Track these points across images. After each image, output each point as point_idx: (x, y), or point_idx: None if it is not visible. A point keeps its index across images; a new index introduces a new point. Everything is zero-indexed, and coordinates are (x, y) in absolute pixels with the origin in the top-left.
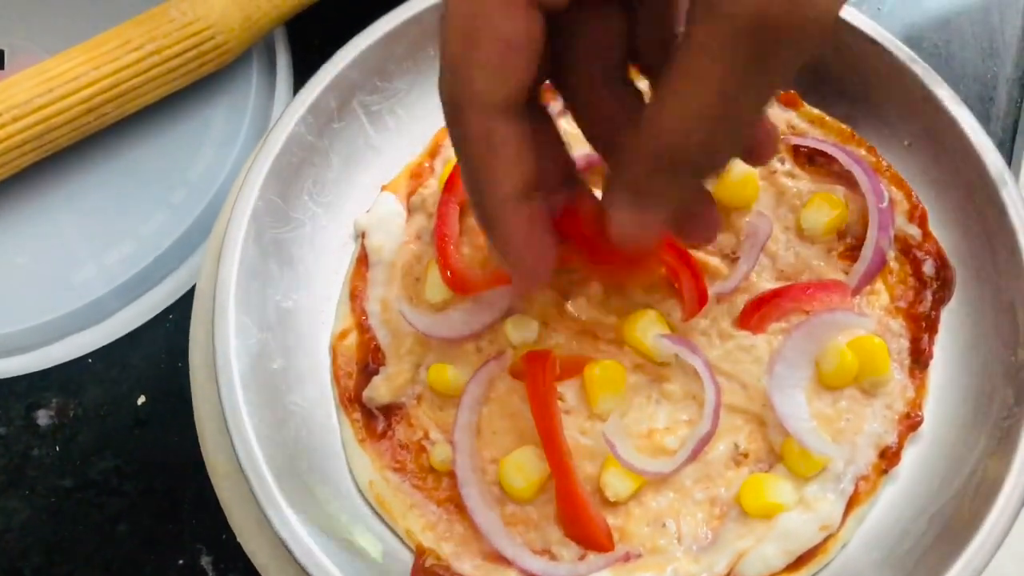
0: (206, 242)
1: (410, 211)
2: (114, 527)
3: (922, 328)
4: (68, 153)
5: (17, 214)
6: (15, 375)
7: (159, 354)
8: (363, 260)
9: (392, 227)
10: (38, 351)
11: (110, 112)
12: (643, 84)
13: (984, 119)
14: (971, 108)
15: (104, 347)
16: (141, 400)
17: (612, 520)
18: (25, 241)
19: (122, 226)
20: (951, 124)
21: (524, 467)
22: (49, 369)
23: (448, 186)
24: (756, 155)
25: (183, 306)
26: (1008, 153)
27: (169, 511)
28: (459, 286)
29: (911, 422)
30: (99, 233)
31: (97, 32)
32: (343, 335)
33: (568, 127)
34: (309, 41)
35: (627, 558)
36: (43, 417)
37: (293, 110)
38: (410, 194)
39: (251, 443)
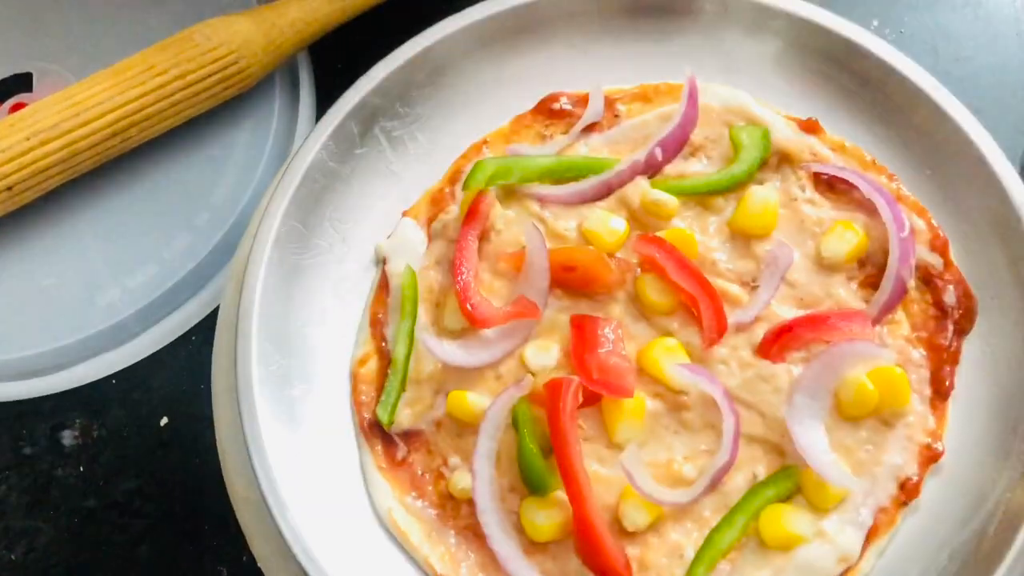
0: (228, 265)
1: (431, 237)
2: (136, 548)
3: (943, 358)
4: (93, 176)
5: (43, 236)
6: (40, 395)
7: (181, 376)
8: (384, 286)
9: (413, 253)
10: (63, 372)
11: (135, 136)
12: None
13: (1006, 145)
14: (993, 134)
15: (127, 368)
16: (164, 421)
17: (630, 550)
18: (50, 263)
19: (146, 248)
20: (972, 151)
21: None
22: (73, 390)
23: (467, 219)
24: None
25: (205, 328)
26: None
27: (190, 533)
28: (479, 321)
29: (931, 454)
30: (123, 255)
31: (123, 56)
32: (363, 361)
33: (584, 149)
34: (331, 65)
35: None
36: (67, 438)
37: (316, 136)
38: (431, 220)
39: (271, 470)
